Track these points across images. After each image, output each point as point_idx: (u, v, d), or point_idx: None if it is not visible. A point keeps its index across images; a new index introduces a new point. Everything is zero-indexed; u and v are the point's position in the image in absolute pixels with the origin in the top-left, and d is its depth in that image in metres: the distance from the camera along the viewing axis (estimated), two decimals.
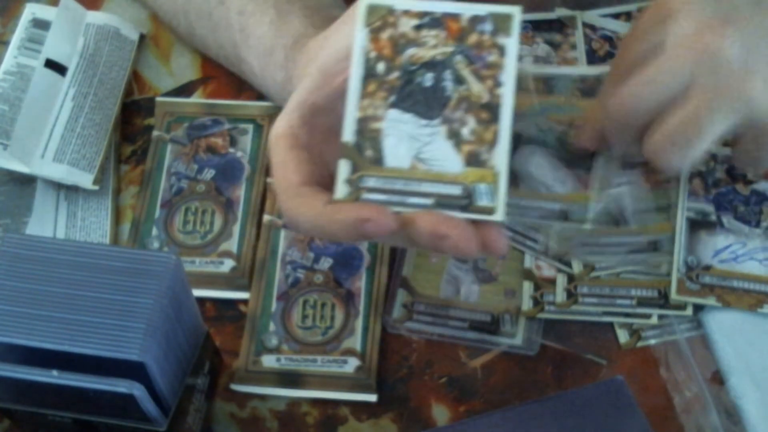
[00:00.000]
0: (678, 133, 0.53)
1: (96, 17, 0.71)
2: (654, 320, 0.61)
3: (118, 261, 0.49)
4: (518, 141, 0.63)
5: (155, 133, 0.68)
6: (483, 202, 0.46)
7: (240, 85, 0.70)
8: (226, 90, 0.71)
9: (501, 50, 0.48)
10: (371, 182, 0.47)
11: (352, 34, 0.49)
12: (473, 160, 0.47)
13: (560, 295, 0.61)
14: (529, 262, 0.62)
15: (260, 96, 0.69)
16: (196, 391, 0.54)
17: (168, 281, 0.48)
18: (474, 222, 0.46)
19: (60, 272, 0.48)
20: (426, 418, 0.59)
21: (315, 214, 0.48)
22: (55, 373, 0.47)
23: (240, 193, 0.66)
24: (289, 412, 0.59)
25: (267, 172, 0.67)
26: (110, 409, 0.49)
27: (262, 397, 0.60)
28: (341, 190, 0.47)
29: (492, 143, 0.47)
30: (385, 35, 0.48)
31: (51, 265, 0.48)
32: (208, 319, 0.62)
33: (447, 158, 0.47)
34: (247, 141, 0.68)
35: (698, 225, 0.62)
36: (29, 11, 0.70)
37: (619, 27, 0.71)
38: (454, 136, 0.47)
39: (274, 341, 0.61)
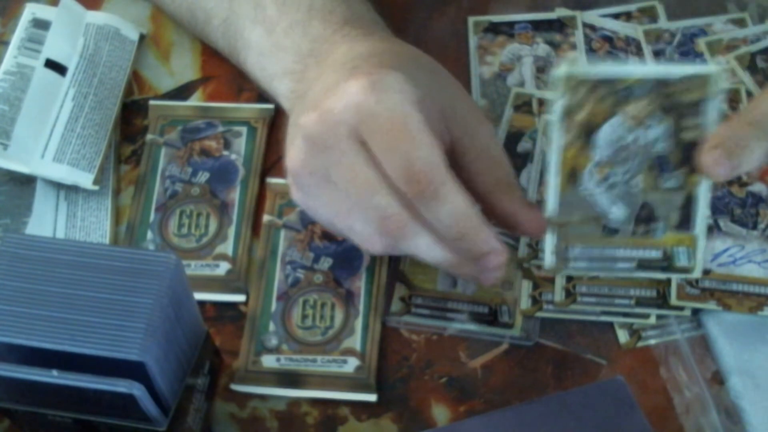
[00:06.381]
0: None
1: (96, 17, 0.71)
2: (653, 320, 0.61)
3: (118, 261, 0.49)
4: None
5: (149, 136, 0.68)
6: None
7: (240, 85, 0.70)
8: (226, 90, 0.71)
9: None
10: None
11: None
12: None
13: (559, 294, 0.61)
14: (522, 252, 0.62)
15: (259, 98, 0.69)
16: (196, 391, 0.54)
17: (168, 281, 0.48)
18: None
19: (60, 272, 0.48)
20: (426, 418, 0.59)
21: (468, 211, 0.50)
22: (55, 373, 0.47)
23: (234, 195, 0.66)
24: (289, 412, 0.59)
25: (262, 174, 0.67)
26: (110, 409, 0.49)
27: (262, 397, 0.60)
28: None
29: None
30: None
31: (51, 265, 0.48)
32: (208, 319, 0.62)
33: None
34: (241, 143, 0.68)
35: None
36: (29, 11, 0.70)
37: (619, 27, 0.71)
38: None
39: (273, 341, 0.61)
